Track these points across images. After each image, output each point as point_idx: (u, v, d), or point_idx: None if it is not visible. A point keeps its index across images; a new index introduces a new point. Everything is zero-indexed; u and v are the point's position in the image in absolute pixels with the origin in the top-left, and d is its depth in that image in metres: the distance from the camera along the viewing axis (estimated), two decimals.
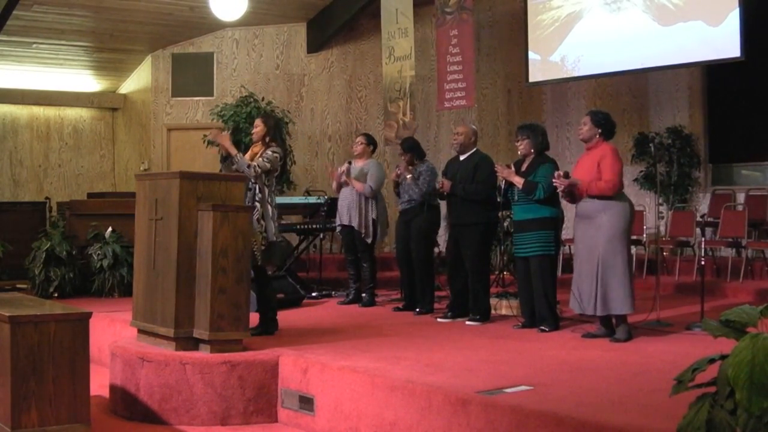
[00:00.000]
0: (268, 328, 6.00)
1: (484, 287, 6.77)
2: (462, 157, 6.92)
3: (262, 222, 5.90)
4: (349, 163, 8.03)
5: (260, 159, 5.94)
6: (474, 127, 7.12)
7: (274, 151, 5.99)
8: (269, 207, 5.97)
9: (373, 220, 7.82)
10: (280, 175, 6.15)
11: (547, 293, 6.14)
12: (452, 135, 7.19)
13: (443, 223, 7.72)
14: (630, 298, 5.60)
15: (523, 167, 6.28)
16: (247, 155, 6.09)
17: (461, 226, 6.75)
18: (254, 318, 6.02)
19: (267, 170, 5.93)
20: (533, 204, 6.13)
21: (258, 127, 6.15)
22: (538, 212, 6.14)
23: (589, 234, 5.70)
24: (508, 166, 6.31)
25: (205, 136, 11.25)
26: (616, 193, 5.66)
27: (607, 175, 5.63)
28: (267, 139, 6.08)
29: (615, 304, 5.61)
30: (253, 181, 5.92)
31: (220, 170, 6.18)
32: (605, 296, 5.60)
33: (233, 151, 5.97)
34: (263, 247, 5.88)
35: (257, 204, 5.89)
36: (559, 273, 7.49)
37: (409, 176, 7.36)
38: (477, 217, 6.69)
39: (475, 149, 6.96)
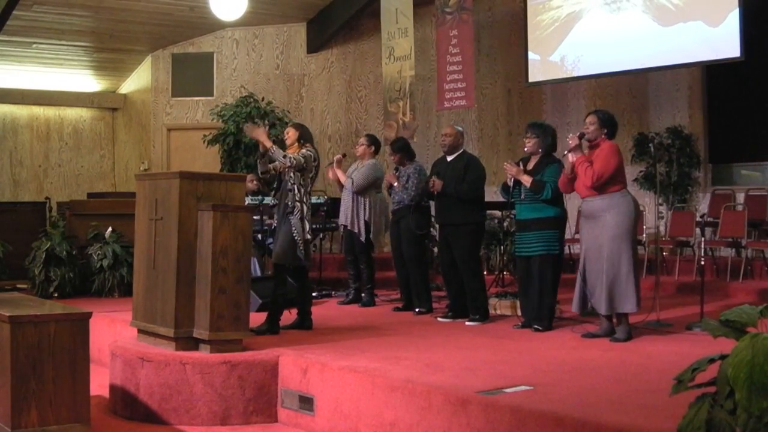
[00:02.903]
0: (305, 323, 6.28)
1: (480, 286, 6.77)
2: (449, 158, 6.94)
3: (304, 221, 6.04)
4: (343, 155, 8.09)
5: (295, 153, 6.08)
6: (460, 128, 7.16)
7: (309, 150, 6.14)
8: (304, 206, 6.08)
9: (365, 220, 7.83)
10: (315, 177, 6.26)
11: (549, 292, 6.14)
12: (440, 136, 7.24)
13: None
14: (635, 297, 5.60)
15: (529, 166, 6.26)
16: None
17: (451, 227, 6.76)
18: (259, 317, 6.04)
19: (301, 166, 6.03)
20: (538, 203, 6.12)
21: (290, 132, 6.31)
22: (543, 212, 6.14)
23: (594, 233, 5.70)
24: (517, 165, 6.30)
25: (204, 136, 11.28)
26: (599, 186, 5.65)
27: (595, 165, 5.63)
28: (301, 141, 6.23)
29: (620, 302, 5.61)
30: (291, 182, 6.01)
31: (257, 164, 6.27)
32: (611, 295, 5.60)
33: (268, 143, 6.06)
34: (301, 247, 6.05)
35: (297, 204, 6.02)
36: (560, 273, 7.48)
37: (395, 183, 7.42)
38: (466, 218, 6.71)
39: (462, 150, 6.98)
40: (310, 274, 9.17)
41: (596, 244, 5.69)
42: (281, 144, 6.32)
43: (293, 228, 6.00)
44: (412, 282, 7.45)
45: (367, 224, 7.83)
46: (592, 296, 5.74)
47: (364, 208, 7.85)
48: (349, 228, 7.86)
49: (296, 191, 6.04)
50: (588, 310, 5.89)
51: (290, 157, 6.00)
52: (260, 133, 6.10)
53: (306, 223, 6.07)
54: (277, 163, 6.05)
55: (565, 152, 5.86)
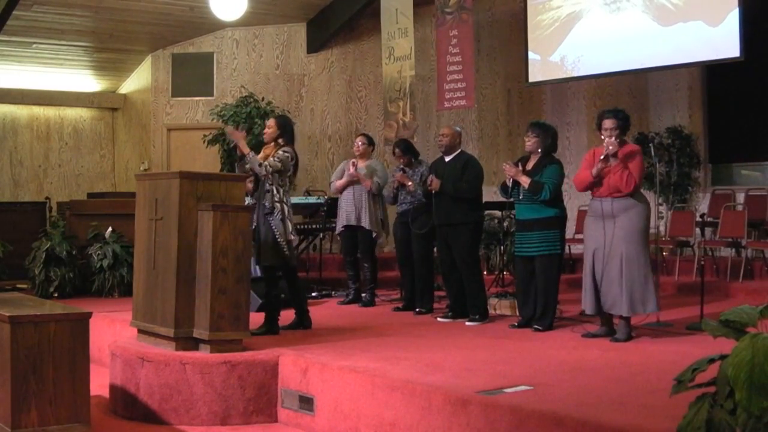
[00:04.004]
0: (303, 322, 6.28)
1: (479, 285, 6.78)
2: (447, 158, 6.94)
3: (285, 222, 5.98)
4: (354, 165, 8.02)
5: (271, 159, 6.00)
6: (458, 129, 7.16)
7: (285, 151, 6.05)
8: (285, 207, 6.03)
9: (382, 219, 7.87)
10: (294, 176, 6.22)
11: (551, 292, 6.14)
12: (437, 137, 7.22)
13: None
14: (654, 297, 5.60)
15: (529, 166, 6.26)
16: (260, 156, 6.15)
17: (450, 226, 6.76)
18: (259, 317, 6.04)
19: (278, 170, 5.98)
20: (537, 203, 6.12)
21: (270, 128, 6.22)
22: (544, 212, 6.13)
23: (609, 234, 5.66)
24: (516, 165, 6.28)
25: (204, 136, 11.28)
26: (634, 192, 5.65)
27: (633, 171, 5.62)
28: (279, 141, 6.15)
29: (642, 303, 5.59)
30: (269, 183, 5.97)
31: (235, 168, 6.27)
32: (632, 296, 5.58)
33: (246, 149, 6.03)
34: (284, 247, 5.99)
35: (277, 204, 5.96)
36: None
37: (410, 183, 7.34)
38: (465, 217, 6.72)
39: (460, 150, 6.99)
40: (310, 274, 9.26)
41: (610, 245, 5.65)
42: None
43: (275, 229, 5.94)
44: (417, 282, 7.43)
45: (383, 223, 7.87)
46: (606, 297, 5.68)
47: (381, 208, 7.90)
48: (368, 227, 7.83)
49: (275, 192, 5.98)
50: (602, 311, 5.84)
51: (266, 165, 5.92)
52: (239, 138, 6.07)
53: (288, 223, 6.02)
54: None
55: (602, 156, 5.71)
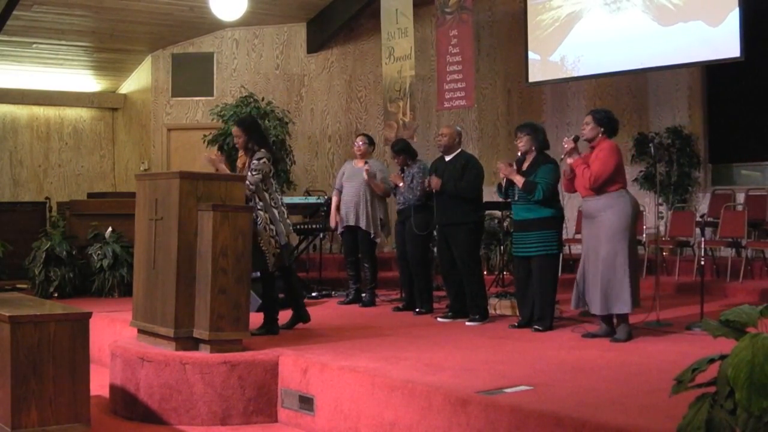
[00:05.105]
0: (302, 317, 6.25)
1: (479, 285, 6.77)
2: (447, 158, 6.94)
3: (270, 227, 5.90)
4: (366, 163, 7.98)
5: (250, 174, 5.90)
6: (459, 128, 7.17)
7: (259, 158, 5.94)
8: (275, 211, 5.98)
9: (381, 219, 7.87)
10: (277, 174, 6.14)
11: (548, 292, 6.14)
12: (436, 136, 7.22)
13: None
14: (630, 298, 5.59)
15: (524, 166, 6.27)
16: (239, 162, 6.12)
17: (450, 226, 6.76)
18: (259, 317, 6.04)
19: (261, 180, 5.91)
20: (533, 204, 6.13)
21: (238, 137, 6.06)
22: (540, 212, 6.14)
23: (593, 233, 5.73)
24: (510, 165, 6.30)
25: (204, 136, 11.28)
26: (599, 188, 5.67)
27: (593, 167, 5.65)
28: (250, 145, 6.03)
29: (615, 303, 5.61)
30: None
31: (236, 169, 6.26)
32: (606, 295, 5.61)
33: (227, 172, 6.03)
34: (277, 251, 5.91)
35: (260, 212, 5.88)
36: (559, 273, 7.49)
37: (401, 183, 7.39)
38: (465, 217, 6.72)
39: (460, 150, 6.98)
40: (310, 274, 9.26)
41: (594, 244, 5.71)
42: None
43: (259, 236, 5.80)
44: (414, 282, 7.44)
45: (383, 222, 7.89)
46: (587, 295, 5.75)
47: (381, 208, 7.93)
48: (364, 228, 7.84)
49: (257, 200, 5.90)
50: (583, 307, 5.90)
51: (248, 185, 5.80)
52: (217, 164, 6.02)
53: (279, 225, 5.93)
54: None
55: (562, 156, 5.87)
